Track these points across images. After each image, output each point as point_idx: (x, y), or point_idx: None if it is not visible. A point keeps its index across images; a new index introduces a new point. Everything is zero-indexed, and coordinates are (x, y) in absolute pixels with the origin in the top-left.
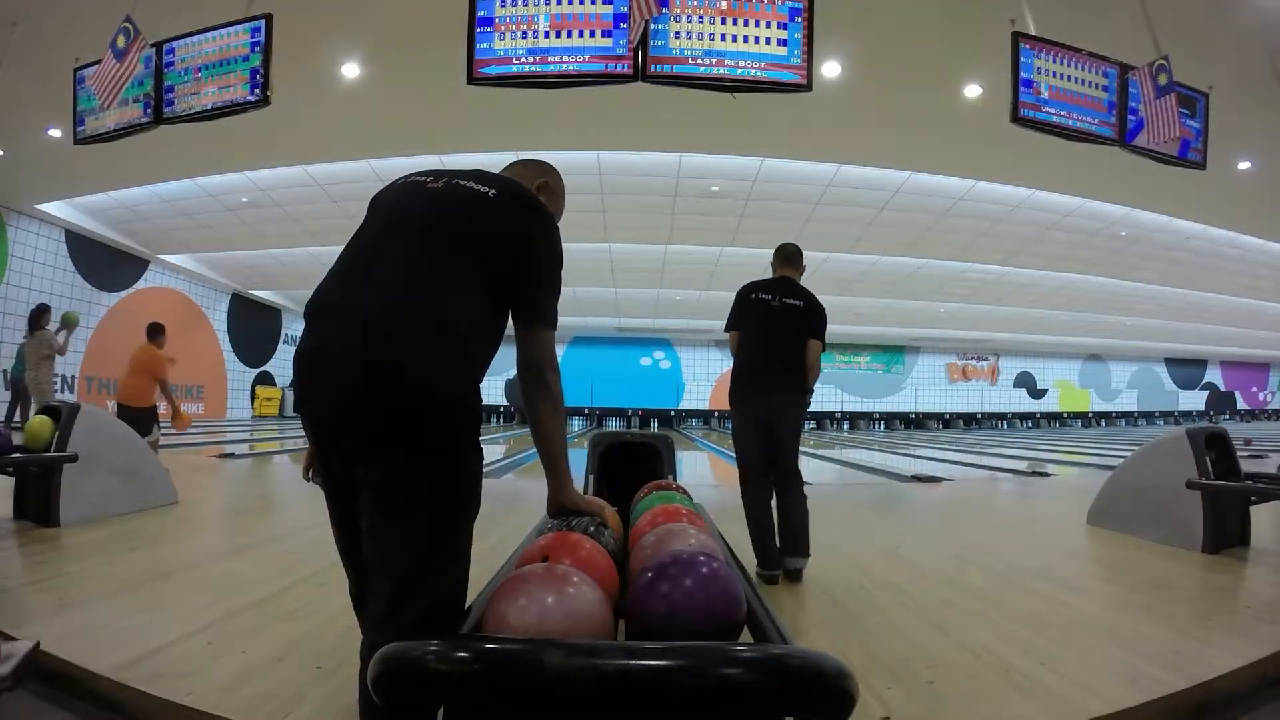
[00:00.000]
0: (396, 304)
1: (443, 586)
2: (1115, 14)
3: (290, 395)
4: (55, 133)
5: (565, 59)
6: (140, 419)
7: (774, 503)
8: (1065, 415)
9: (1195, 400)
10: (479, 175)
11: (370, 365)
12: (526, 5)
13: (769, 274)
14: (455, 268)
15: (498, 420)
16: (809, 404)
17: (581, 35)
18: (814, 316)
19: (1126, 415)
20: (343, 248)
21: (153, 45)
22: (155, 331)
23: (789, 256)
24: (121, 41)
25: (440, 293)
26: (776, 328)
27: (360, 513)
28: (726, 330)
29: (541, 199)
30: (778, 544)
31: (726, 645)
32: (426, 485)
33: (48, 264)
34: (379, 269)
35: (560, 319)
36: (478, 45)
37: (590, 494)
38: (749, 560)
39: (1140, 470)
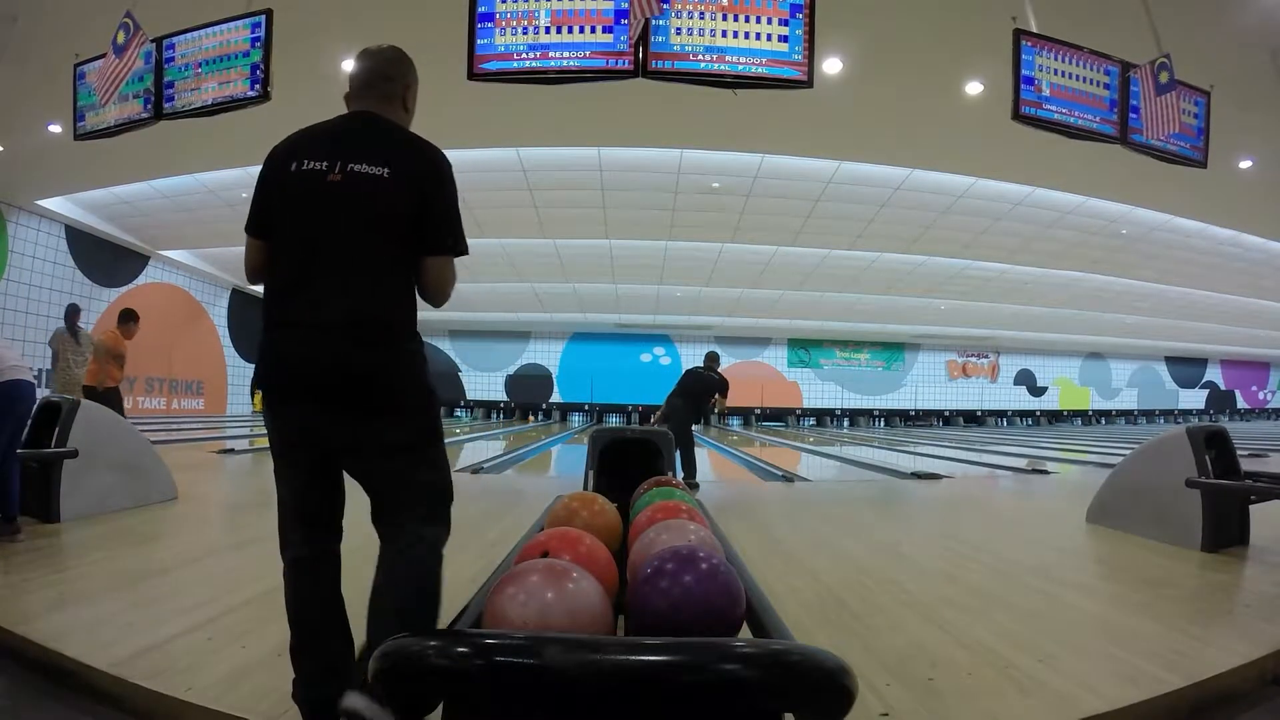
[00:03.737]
0: (351, 308)
1: (447, 481)
2: (1116, 12)
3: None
4: (56, 128)
5: (566, 55)
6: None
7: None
8: (1065, 413)
9: (1195, 399)
10: (369, 153)
11: (342, 362)
12: (528, 1)
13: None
14: (382, 250)
15: (498, 416)
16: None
17: (582, 31)
18: (722, 385)
19: (1126, 413)
20: (251, 223)
21: (153, 41)
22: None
23: (710, 356)
24: (122, 37)
25: (380, 287)
26: (701, 382)
27: (355, 474)
28: (678, 386)
29: (412, 103)
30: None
31: (726, 641)
32: (415, 432)
33: (48, 260)
34: (322, 275)
35: (560, 315)
36: (478, 41)
37: (590, 488)
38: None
39: (1140, 469)
